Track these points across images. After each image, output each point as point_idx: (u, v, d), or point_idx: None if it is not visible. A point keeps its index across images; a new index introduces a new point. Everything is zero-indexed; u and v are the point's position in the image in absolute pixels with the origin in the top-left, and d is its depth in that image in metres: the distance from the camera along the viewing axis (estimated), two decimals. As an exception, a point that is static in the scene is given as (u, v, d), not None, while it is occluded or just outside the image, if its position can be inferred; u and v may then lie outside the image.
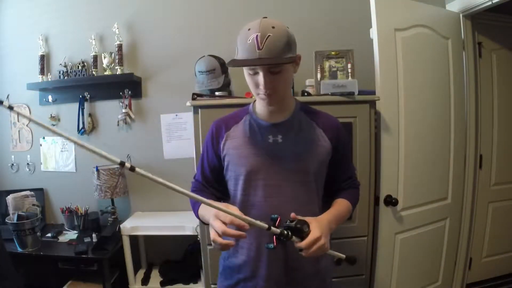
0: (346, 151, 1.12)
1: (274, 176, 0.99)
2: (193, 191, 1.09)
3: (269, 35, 0.86)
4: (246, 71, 0.95)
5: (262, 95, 0.94)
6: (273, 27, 0.88)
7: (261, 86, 0.91)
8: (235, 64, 0.91)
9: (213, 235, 0.85)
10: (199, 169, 1.12)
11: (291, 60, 0.91)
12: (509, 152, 2.31)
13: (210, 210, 0.89)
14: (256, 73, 0.92)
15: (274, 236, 0.85)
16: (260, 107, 1.05)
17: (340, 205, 1.07)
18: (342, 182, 1.13)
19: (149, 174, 0.68)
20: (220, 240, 0.84)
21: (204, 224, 1.04)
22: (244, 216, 0.81)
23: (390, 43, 1.70)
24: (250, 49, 0.87)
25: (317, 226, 0.88)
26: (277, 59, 0.87)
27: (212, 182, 1.10)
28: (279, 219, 0.86)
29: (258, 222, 0.81)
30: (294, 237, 0.85)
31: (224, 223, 0.84)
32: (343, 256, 1.00)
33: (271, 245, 0.86)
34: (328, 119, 1.08)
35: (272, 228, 0.83)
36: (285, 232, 0.84)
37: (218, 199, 1.10)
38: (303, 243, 0.84)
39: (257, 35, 0.86)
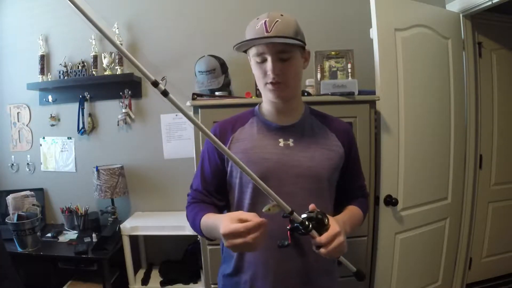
0: (357, 158, 1.05)
1: (286, 182, 0.90)
2: (191, 203, 1.00)
3: (277, 20, 0.84)
4: (253, 60, 0.90)
5: (270, 85, 0.88)
6: (281, 15, 0.87)
7: (269, 72, 0.86)
8: (242, 45, 0.87)
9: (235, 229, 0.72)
10: (198, 177, 1.01)
11: (300, 43, 0.86)
12: (509, 152, 2.31)
13: (215, 220, 0.83)
14: (264, 60, 0.87)
15: (288, 232, 0.78)
16: (267, 107, 0.97)
17: (353, 211, 1.01)
18: (353, 191, 1.07)
19: (179, 104, 0.66)
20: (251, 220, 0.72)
21: (209, 240, 0.94)
22: (266, 187, 0.74)
23: (390, 43, 1.70)
24: (259, 33, 0.84)
25: (336, 222, 0.81)
26: (286, 40, 0.83)
27: (213, 190, 1.00)
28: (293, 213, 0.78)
29: (281, 200, 0.74)
30: (313, 231, 0.77)
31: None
32: (354, 269, 0.91)
33: (286, 242, 0.78)
34: (340, 123, 1.03)
35: (294, 213, 0.76)
36: (306, 222, 0.76)
37: (220, 210, 1.00)
38: (323, 237, 0.76)
39: (265, 21, 0.85)
